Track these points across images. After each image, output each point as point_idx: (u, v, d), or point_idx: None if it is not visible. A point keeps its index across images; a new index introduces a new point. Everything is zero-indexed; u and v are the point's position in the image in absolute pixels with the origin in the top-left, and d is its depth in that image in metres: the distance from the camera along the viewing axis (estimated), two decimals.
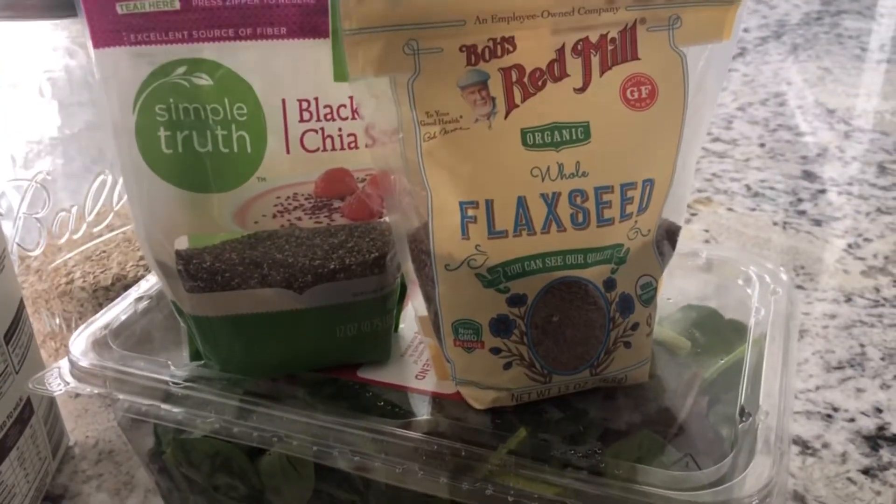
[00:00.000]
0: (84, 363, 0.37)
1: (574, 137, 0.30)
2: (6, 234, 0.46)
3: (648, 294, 0.33)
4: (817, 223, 0.70)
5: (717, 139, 0.88)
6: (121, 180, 0.49)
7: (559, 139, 0.30)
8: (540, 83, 0.30)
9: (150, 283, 0.44)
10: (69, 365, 0.38)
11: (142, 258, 0.51)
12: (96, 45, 0.33)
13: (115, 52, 0.33)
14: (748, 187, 0.78)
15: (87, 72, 0.47)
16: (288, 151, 0.34)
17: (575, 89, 0.31)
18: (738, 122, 0.93)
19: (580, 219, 0.30)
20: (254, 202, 0.34)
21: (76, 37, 0.47)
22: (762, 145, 0.87)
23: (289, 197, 0.35)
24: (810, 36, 1.24)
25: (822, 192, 0.76)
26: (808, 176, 0.79)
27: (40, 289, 0.50)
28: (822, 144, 0.87)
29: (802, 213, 0.72)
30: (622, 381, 0.34)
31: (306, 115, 0.34)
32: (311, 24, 0.33)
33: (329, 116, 0.34)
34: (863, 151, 0.85)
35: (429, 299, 0.33)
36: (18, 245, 0.49)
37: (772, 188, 0.77)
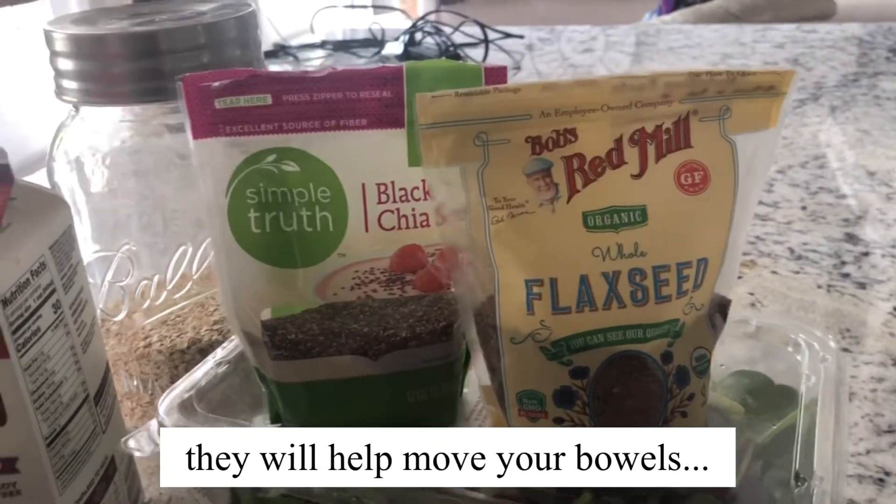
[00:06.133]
0: (171, 425, 0.40)
1: (632, 220, 0.33)
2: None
3: (703, 366, 0.35)
4: (861, 286, 0.71)
5: (759, 202, 0.90)
6: (200, 251, 0.52)
7: (618, 221, 0.33)
8: (600, 170, 0.33)
9: (227, 349, 0.47)
10: (158, 426, 0.41)
11: (215, 323, 0.54)
12: (195, 135, 0.37)
13: (211, 142, 0.37)
14: (791, 250, 0.79)
15: (172, 151, 0.52)
16: (367, 230, 0.37)
17: (632, 175, 0.33)
18: (779, 184, 0.95)
19: (639, 296, 0.33)
20: (334, 276, 0.37)
21: (161, 119, 0.51)
22: (804, 208, 0.88)
23: (366, 271, 0.38)
24: (848, 98, 1.25)
25: (866, 254, 0.77)
26: (851, 238, 0.81)
27: (119, 351, 0.54)
28: (863, 206, 0.88)
29: (846, 275, 0.74)
30: None
31: (384, 198, 0.37)
32: (389, 116, 0.37)
33: (404, 198, 0.37)
34: None
35: (493, 370, 0.35)
36: (101, 310, 0.53)
37: (815, 251, 0.79)
